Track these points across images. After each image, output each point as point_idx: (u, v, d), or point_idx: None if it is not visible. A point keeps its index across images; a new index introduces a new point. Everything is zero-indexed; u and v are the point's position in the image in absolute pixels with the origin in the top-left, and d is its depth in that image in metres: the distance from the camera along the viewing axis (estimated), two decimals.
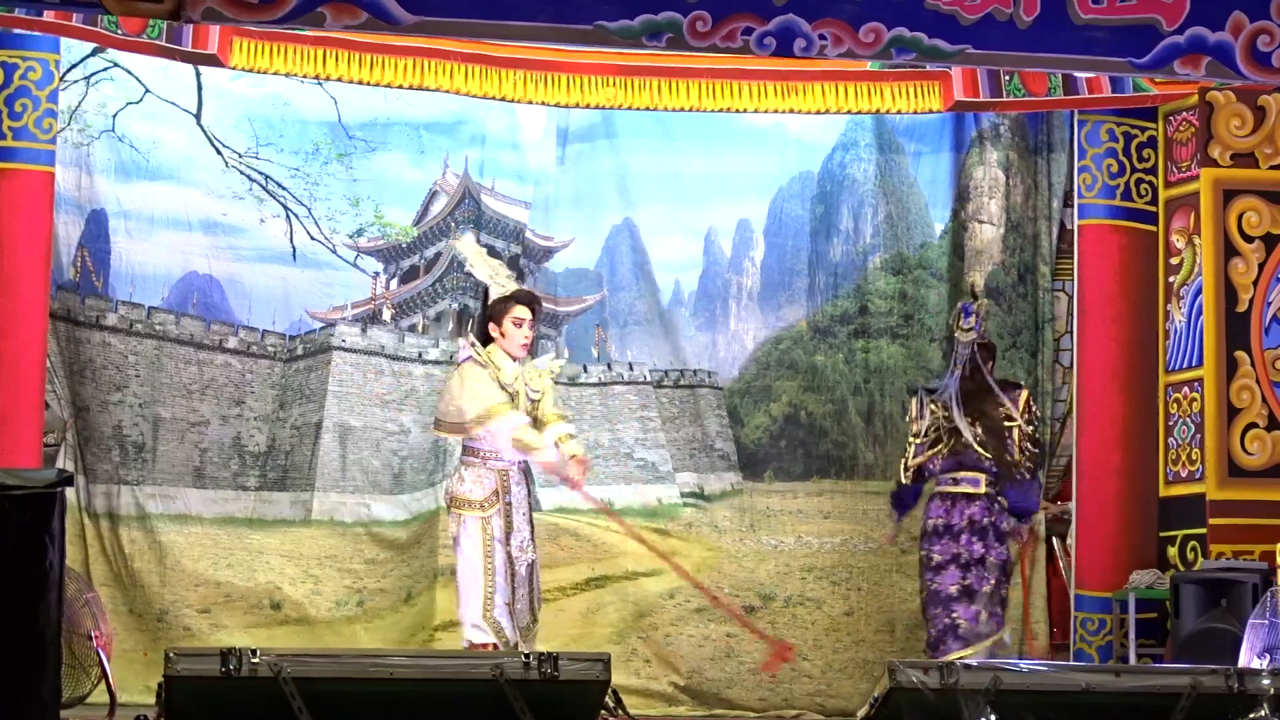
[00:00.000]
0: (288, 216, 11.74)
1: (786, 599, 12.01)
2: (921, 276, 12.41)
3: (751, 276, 12.42)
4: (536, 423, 9.82)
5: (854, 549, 12.17)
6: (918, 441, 10.83)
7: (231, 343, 11.62)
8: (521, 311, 9.81)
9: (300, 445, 11.62)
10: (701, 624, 11.90)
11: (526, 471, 9.88)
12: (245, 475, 11.62)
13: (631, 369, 12.19)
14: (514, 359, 9.79)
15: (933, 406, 10.80)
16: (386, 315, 11.93)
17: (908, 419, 11.09)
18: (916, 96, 11.82)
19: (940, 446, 10.75)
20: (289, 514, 11.62)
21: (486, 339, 9.84)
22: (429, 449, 11.71)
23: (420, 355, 11.81)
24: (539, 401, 9.89)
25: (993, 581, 10.63)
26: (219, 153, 11.65)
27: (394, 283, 11.97)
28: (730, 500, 12.21)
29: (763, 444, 12.31)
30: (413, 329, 11.94)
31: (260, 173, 11.71)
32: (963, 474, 10.74)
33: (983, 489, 10.69)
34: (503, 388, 9.69)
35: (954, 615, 10.61)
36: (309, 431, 11.63)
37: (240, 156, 11.68)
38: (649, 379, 12.22)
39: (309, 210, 11.77)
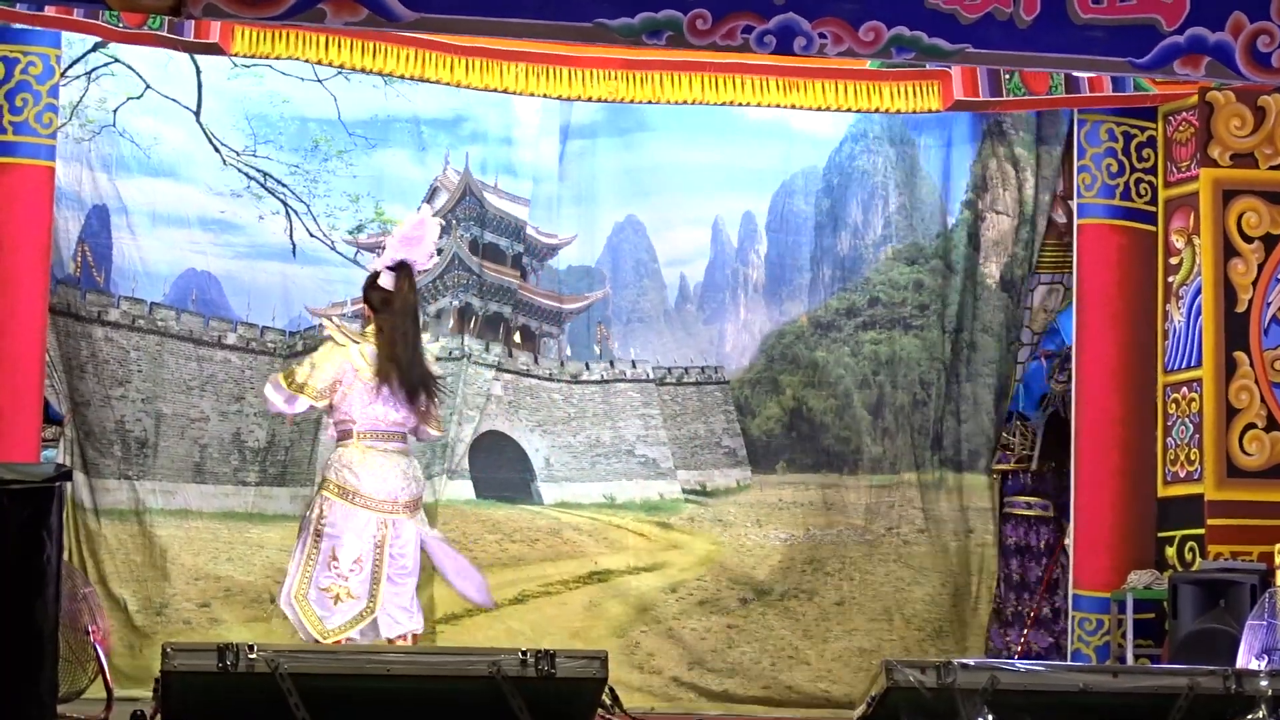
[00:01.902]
0: (287, 213, 11.75)
1: (782, 593, 12.03)
2: (938, 266, 12.42)
3: (757, 269, 12.43)
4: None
5: (848, 539, 12.19)
6: (1003, 453, 12.34)
7: (231, 339, 11.62)
8: None
9: (300, 440, 11.63)
10: (703, 618, 11.91)
11: None
12: (245, 471, 11.63)
13: (634, 366, 12.20)
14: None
15: (1021, 428, 12.26)
16: None
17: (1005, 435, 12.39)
18: (916, 96, 11.82)
19: (1020, 465, 12.29)
20: (289, 509, 11.60)
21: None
22: (426, 443, 11.72)
23: None
24: None
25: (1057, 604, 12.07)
26: (217, 150, 11.65)
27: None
28: (736, 496, 12.22)
29: (774, 435, 12.33)
30: None
31: (259, 170, 11.71)
32: (1034, 499, 12.25)
33: (1051, 512, 12.22)
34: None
35: (1025, 638, 12.00)
36: (308, 427, 11.62)
37: (238, 154, 11.68)
38: (651, 377, 12.22)
39: (308, 207, 11.77)
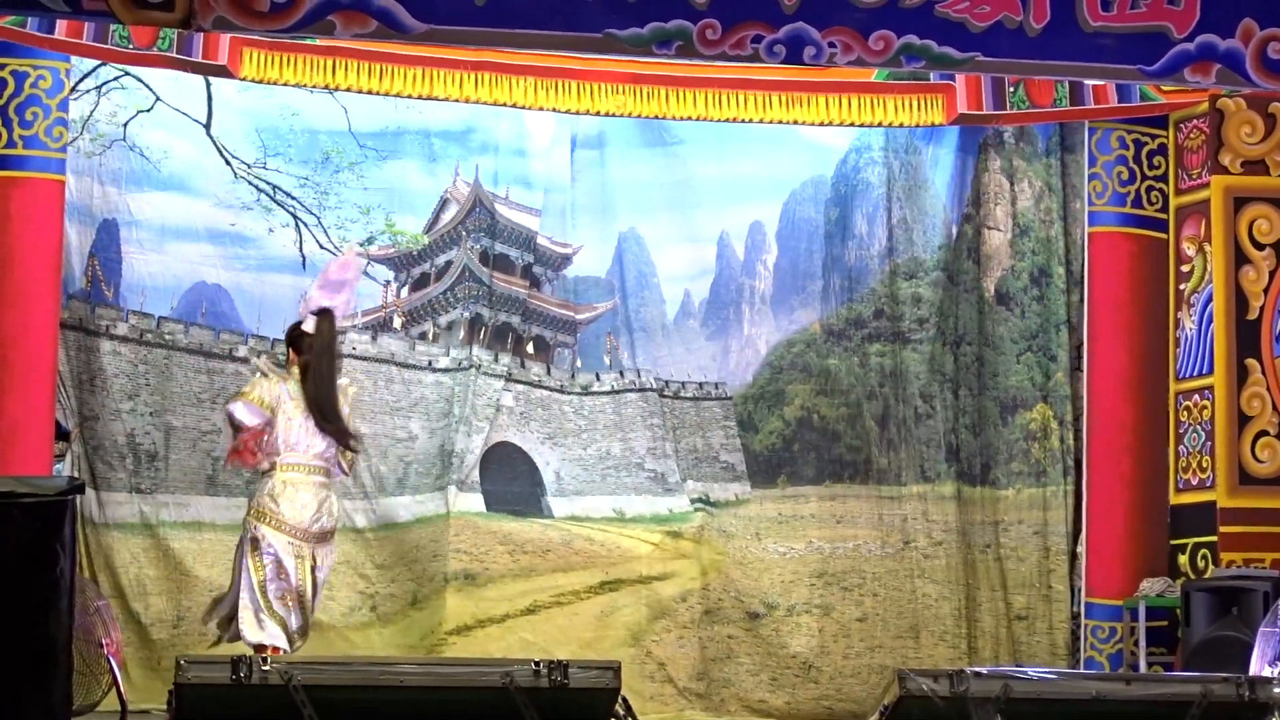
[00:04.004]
0: (297, 226, 11.75)
1: (791, 606, 12.00)
2: (940, 279, 12.40)
3: (764, 280, 12.42)
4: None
5: (868, 553, 12.16)
6: None
7: (241, 351, 11.62)
8: None
9: None
10: (714, 627, 11.90)
11: None
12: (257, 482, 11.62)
13: (640, 376, 12.20)
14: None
15: None
16: (397, 323, 11.93)
17: None
18: (920, 109, 11.84)
19: None
20: None
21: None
22: (435, 454, 11.73)
23: (430, 364, 11.83)
24: None
25: None
26: (228, 163, 11.66)
27: (404, 290, 11.98)
28: (735, 510, 12.20)
29: (775, 450, 12.30)
30: (423, 336, 11.95)
31: (269, 183, 11.72)
32: None
33: None
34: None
35: None
36: None
37: (249, 167, 11.69)
38: (654, 387, 12.22)
39: (318, 219, 11.78)
